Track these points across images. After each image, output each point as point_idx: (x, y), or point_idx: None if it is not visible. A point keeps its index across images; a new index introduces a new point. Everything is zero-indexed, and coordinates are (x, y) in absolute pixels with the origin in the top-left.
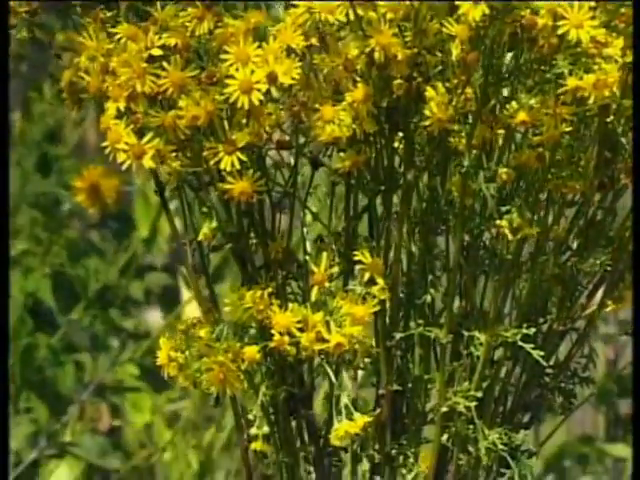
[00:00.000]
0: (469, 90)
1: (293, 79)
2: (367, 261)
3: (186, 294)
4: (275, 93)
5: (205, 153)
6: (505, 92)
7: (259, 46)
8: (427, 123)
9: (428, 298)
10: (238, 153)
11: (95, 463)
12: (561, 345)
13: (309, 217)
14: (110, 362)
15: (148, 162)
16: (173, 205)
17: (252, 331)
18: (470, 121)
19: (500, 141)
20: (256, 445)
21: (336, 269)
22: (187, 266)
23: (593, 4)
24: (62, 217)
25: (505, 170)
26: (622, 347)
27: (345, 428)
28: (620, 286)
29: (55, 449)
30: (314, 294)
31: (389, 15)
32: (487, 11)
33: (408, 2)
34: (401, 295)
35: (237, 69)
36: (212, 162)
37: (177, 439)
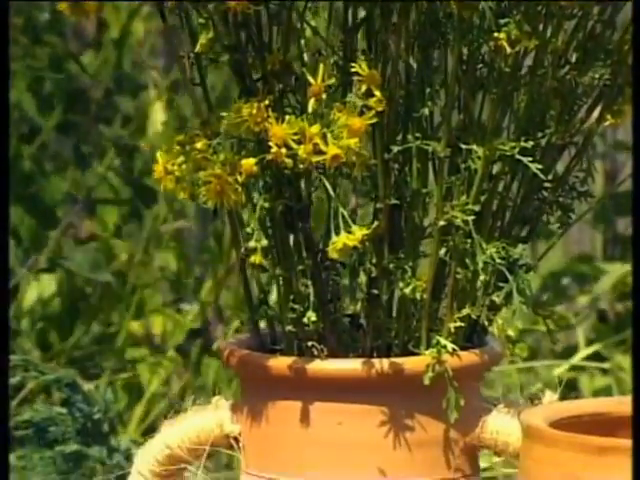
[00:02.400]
0: None
1: None
2: (364, 73)
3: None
4: None
5: None
6: None
7: None
8: None
9: (426, 111)
10: None
11: (87, 276)
12: (559, 160)
13: (308, 31)
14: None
15: None
16: (172, 20)
17: (249, 144)
18: None
19: None
20: (254, 258)
21: (333, 81)
22: (185, 79)
23: None
24: (41, 26)
25: None
26: (620, 166)
27: (343, 241)
28: (619, 100)
29: (47, 263)
30: (311, 106)
31: None
32: None
33: None
34: (399, 108)
35: None
36: None
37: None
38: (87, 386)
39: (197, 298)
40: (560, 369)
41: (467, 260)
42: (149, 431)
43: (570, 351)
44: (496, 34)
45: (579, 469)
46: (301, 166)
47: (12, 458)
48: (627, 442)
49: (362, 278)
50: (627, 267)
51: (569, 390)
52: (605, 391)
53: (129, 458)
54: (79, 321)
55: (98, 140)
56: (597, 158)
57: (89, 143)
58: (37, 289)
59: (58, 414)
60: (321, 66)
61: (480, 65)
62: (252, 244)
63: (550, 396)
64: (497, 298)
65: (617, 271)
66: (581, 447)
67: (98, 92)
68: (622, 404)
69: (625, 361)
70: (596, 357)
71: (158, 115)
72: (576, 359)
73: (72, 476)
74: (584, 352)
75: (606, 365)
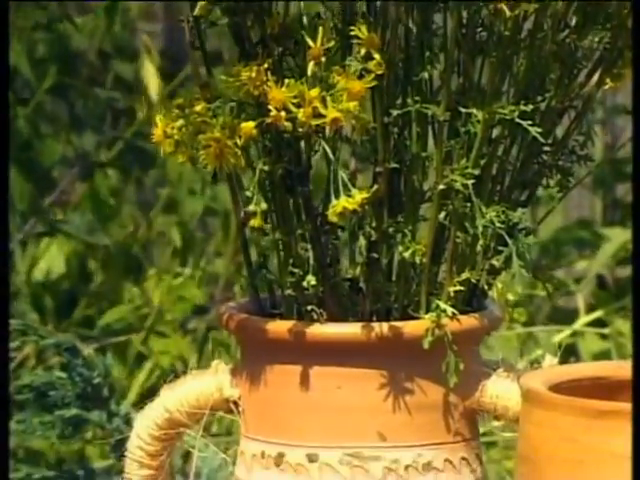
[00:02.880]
0: None
1: None
2: (364, 36)
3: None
4: None
5: None
6: None
7: None
8: None
9: (425, 75)
10: None
11: (85, 240)
12: (559, 124)
13: None
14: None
15: None
16: None
17: (249, 107)
18: None
19: None
20: (254, 222)
21: (333, 44)
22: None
23: None
24: None
25: None
26: (620, 131)
27: (343, 204)
28: (618, 64)
29: (44, 227)
30: (310, 69)
31: None
32: None
33: None
34: (398, 72)
35: None
36: None
37: None
38: (87, 350)
39: (199, 267)
40: (560, 334)
41: (467, 224)
42: (149, 396)
43: (570, 316)
44: None
45: (579, 433)
46: (300, 130)
47: (12, 422)
48: (627, 406)
49: (362, 242)
50: (627, 234)
51: (568, 355)
52: (604, 356)
53: (129, 422)
54: (79, 285)
55: (94, 103)
56: (597, 123)
57: (84, 106)
58: (34, 252)
59: (58, 378)
60: (320, 29)
61: (480, 29)
62: (251, 208)
63: (550, 360)
64: (497, 262)
65: (618, 238)
66: (581, 411)
67: (92, 55)
68: (622, 368)
69: (625, 326)
70: (595, 322)
71: (152, 79)
72: (576, 325)
73: (72, 440)
74: (584, 319)
75: (605, 330)
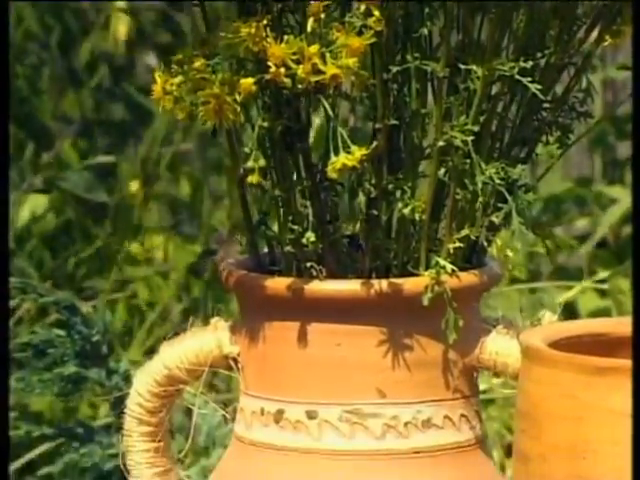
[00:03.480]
0: None
1: None
2: None
3: None
4: None
5: None
6: None
7: None
8: None
9: (425, 31)
10: None
11: (82, 196)
12: (559, 81)
13: None
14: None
15: None
16: None
17: (248, 64)
18: None
19: None
20: (252, 178)
21: (332, 0)
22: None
23: None
24: None
25: None
26: (620, 89)
27: (342, 161)
28: (618, 20)
29: (42, 184)
30: (310, 25)
31: None
32: None
33: None
34: (398, 28)
35: None
36: None
37: None
38: (85, 308)
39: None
40: (560, 292)
41: (466, 181)
42: (148, 353)
43: (570, 274)
44: None
45: (578, 389)
46: (300, 86)
47: (11, 380)
48: (627, 362)
49: (361, 199)
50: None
51: (568, 312)
52: (604, 313)
53: (128, 380)
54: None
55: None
56: (596, 81)
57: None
58: (31, 208)
59: (57, 336)
60: None
61: None
62: (250, 164)
63: (549, 317)
64: (496, 219)
65: (624, 200)
66: (580, 367)
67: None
68: (621, 324)
69: (624, 284)
70: (595, 280)
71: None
72: (576, 283)
73: (71, 398)
74: (584, 278)
75: (605, 287)
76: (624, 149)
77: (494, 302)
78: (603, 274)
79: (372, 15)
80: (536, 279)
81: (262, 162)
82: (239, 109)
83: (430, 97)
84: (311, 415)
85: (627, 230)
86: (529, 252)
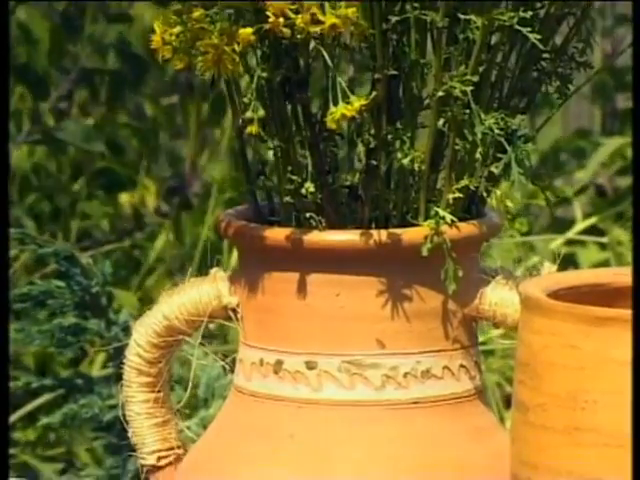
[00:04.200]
0: None
1: None
2: None
3: None
4: None
5: None
6: None
7: None
8: None
9: None
10: None
11: (80, 147)
12: (558, 31)
13: None
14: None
15: None
16: None
17: (247, 13)
18: None
19: None
20: (251, 128)
21: None
22: None
23: None
24: None
25: None
26: (619, 41)
27: (341, 111)
28: None
29: (39, 134)
30: None
31: None
32: None
33: None
34: None
35: None
36: None
37: None
38: (85, 259)
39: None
40: (558, 242)
41: (465, 131)
42: (147, 303)
43: (568, 225)
44: None
45: (578, 339)
46: (299, 36)
47: (10, 331)
48: (626, 312)
49: (360, 149)
50: (624, 139)
51: (567, 265)
52: (603, 265)
53: (127, 330)
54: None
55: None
56: (596, 32)
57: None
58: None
59: (56, 287)
60: None
61: None
62: (249, 114)
63: (549, 268)
64: (495, 169)
65: (614, 144)
66: (580, 317)
67: None
68: (621, 275)
69: (623, 235)
70: (594, 232)
71: None
72: (574, 232)
73: (70, 349)
74: (582, 225)
75: (604, 239)
76: (624, 100)
77: (492, 253)
78: (599, 222)
79: None
80: (534, 230)
81: (261, 113)
82: (238, 59)
83: (429, 47)
84: (310, 366)
85: (626, 181)
86: (527, 204)
